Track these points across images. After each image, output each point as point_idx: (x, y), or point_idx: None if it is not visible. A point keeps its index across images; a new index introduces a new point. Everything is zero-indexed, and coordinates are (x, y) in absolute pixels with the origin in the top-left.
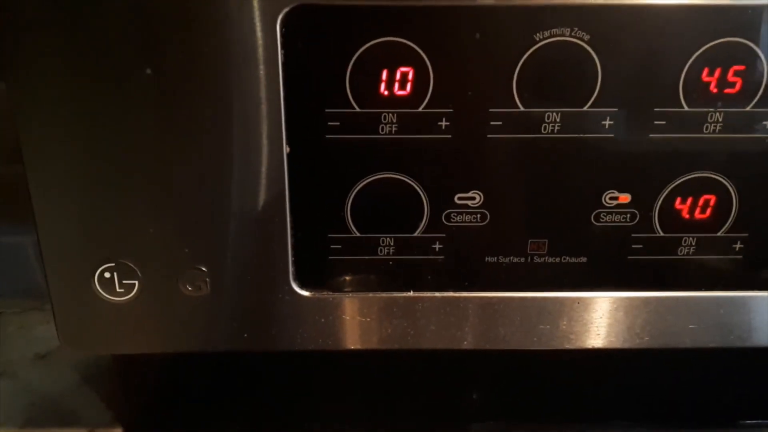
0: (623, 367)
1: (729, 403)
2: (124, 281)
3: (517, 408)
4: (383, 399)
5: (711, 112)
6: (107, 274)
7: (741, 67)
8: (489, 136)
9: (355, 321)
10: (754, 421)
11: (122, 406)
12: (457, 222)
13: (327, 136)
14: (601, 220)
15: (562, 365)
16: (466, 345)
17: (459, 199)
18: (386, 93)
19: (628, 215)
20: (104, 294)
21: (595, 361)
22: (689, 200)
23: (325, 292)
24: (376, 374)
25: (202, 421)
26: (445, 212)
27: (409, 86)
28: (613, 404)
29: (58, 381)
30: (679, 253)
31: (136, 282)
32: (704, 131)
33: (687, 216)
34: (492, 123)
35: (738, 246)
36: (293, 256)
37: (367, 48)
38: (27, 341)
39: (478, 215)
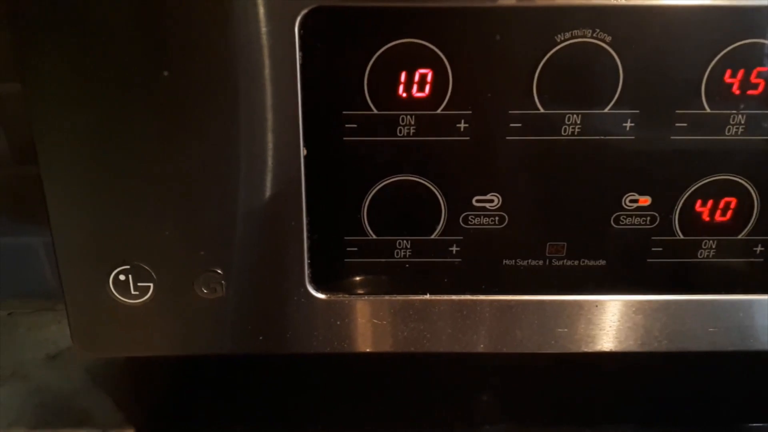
0: (629, 370)
1: (734, 405)
2: (139, 284)
3: (526, 410)
4: (391, 400)
5: (733, 114)
6: (122, 277)
7: (764, 69)
8: (508, 138)
9: (371, 324)
10: (759, 425)
11: (134, 407)
12: (474, 225)
13: (344, 138)
14: (621, 222)
15: (568, 368)
16: (483, 348)
17: (477, 201)
18: (404, 95)
19: (648, 218)
20: (119, 296)
21: (601, 363)
22: (710, 203)
23: (340, 295)
24: (386, 375)
25: (214, 422)
26: (463, 215)
27: (427, 88)
28: (617, 406)
29: (69, 381)
30: (699, 256)
31: (151, 285)
32: (726, 133)
33: (707, 219)
34: (511, 125)
35: (759, 249)
36: (309, 258)
37: (385, 49)
38: (38, 342)
39: (497, 218)
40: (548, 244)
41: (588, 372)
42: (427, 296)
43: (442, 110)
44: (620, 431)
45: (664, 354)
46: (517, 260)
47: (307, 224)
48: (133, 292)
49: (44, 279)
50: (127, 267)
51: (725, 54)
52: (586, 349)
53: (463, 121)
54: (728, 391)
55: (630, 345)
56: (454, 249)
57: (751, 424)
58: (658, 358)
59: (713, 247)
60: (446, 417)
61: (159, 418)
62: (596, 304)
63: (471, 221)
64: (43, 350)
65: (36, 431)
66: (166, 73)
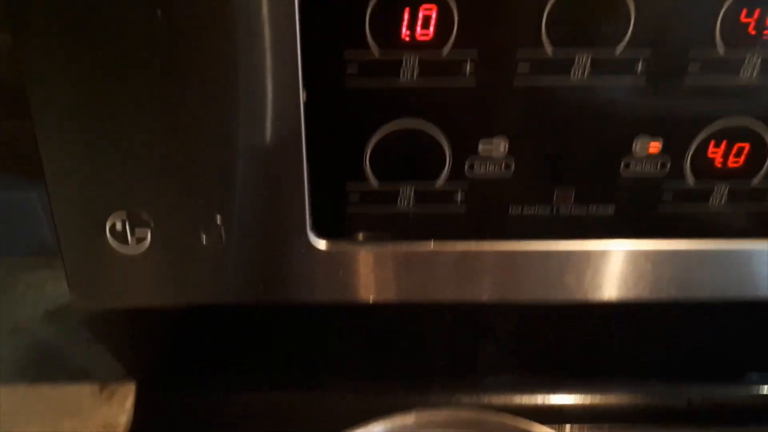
0: (631, 321)
1: (738, 354)
2: (136, 232)
3: (528, 361)
4: (395, 351)
5: (748, 55)
6: (119, 225)
7: None
8: (515, 80)
9: (373, 273)
10: (763, 373)
11: (135, 361)
12: (480, 171)
13: (345, 81)
14: (631, 168)
15: (570, 318)
16: (488, 297)
17: (483, 147)
18: (408, 35)
19: (659, 163)
20: (116, 246)
21: (604, 314)
22: (722, 147)
23: (342, 244)
24: (390, 326)
25: (217, 373)
26: (468, 161)
27: (432, 28)
28: (620, 358)
29: (69, 337)
30: (710, 203)
31: (149, 233)
32: (741, 75)
33: (720, 164)
34: (519, 67)
35: None
36: (310, 206)
37: None
38: (37, 298)
39: (503, 164)
40: (556, 191)
41: (589, 324)
42: (431, 245)
43: (447, 52)
44: (619, 383)
45: (669, 303)
46: (524, 208)
47: (308, 171)
48: (130, 242)
49: (43, 236)
50: (124, 215)
51: None
52: (593, 298)
53: (469, 63)
54: (730, 339)
55: (639, 294)
56: (459, 196)
57: (753, 373)
58: (661, 308)
59: (725, 193)
60: (450, 368)
61: (161, 370)
62: (604, 253)
63: (476, 168)
64: (42, 306)
65: (36, 385)
66: (159, 13)
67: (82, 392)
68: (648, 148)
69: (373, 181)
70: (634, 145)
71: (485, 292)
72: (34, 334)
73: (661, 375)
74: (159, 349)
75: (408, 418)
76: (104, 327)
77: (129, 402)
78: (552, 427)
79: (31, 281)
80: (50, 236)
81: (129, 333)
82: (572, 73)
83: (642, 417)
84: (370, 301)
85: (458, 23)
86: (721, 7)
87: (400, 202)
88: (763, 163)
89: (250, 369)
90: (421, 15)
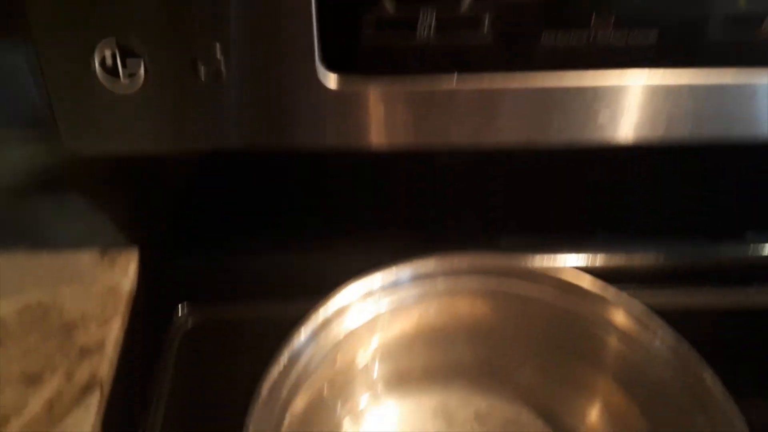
0: (633, 180)
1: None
2: (128, 65)
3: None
4: (407, 209)
5: None
6: (108, 58)
7: None
8: None
9: (389, 113)
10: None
11: (136, 227)
12: None
13: None
14: None
15: (577, 175)
16: (515, 140)
17: None
18: None
19: None
20: (107, 83)
21: (605, 173)
22: None
23: (354, 79)
24: (402, 179)
25: (219, 237)
26: None
27: None
28: (617, 215)
29: (66, 203)
30: (763, 28)
31: (142, 66)
32: None
33: None
34: None
35: None
36: (319, 36)
37: None
38: (30, 168)
39: None
40: (594, 14)
41: (612, 180)
42: (454, 80)
43: None
44: (645, 242)
45: (708, 146)
46: (558, 34)
47: None
48: (122, 77)
49: (32, 104)
50: (113, 43)
51: None
52: (631, 138)
53: None
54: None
55: (681, 132)
56: (486, 23)
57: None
58: (694, 156)
59: None
60: (465, 226)
61: (163, 235)
62: (645, 87)
63: None
64: (37, 177)
65: (34, 253)
66: None
67: (83, 259)
68: None
69: (390, 5)
70: None
71: (511, 133)
72: (29, 203)
73: (688, 233)
74: (160, 214)
75: (428, 264)
76: (103, 194)
77: (132, 268)
78: None
79: (25, 153)
80: (41, 106)
81: (129, 198)
82: None
83: (668, 277)
84: (385, 146)
85: None
86: None
87: (420, 30)
88: None
89: (255, 229)
90: None
